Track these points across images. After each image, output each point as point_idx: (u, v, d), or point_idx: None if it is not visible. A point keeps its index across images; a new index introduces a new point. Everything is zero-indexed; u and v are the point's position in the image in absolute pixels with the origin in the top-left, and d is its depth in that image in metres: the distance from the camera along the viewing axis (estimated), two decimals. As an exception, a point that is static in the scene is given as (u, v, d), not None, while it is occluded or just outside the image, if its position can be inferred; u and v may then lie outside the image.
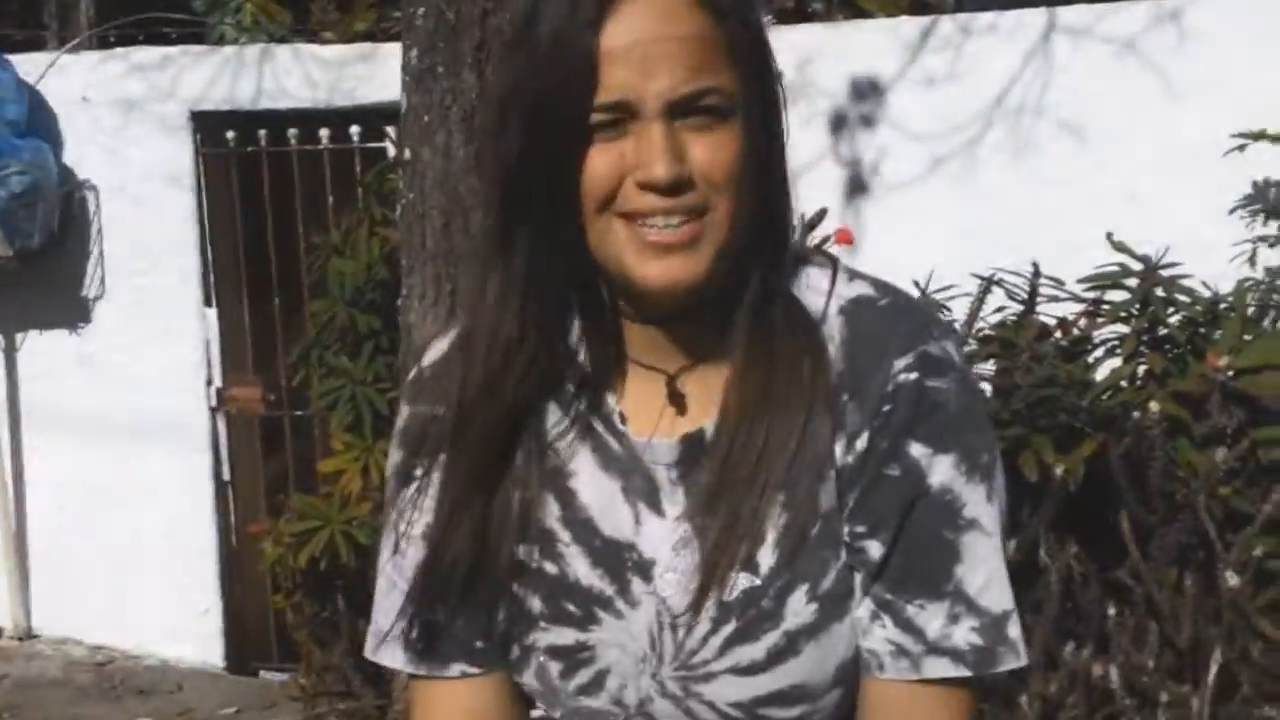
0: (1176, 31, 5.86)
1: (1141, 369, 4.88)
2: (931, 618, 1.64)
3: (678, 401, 1.72)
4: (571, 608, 1.73)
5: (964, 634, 1.64)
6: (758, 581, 1.65)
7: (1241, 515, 4.62)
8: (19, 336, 7.47)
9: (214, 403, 7.24)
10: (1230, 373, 4.65)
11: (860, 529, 1.65)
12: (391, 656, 1.83)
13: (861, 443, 1.64)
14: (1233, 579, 4.51)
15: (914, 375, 1.64)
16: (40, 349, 7.46)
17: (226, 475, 7.26)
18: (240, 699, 6.74)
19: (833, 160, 6.37)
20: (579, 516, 1.73)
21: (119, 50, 7.51)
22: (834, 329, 1.68)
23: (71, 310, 7.38)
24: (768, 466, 1.65)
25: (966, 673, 1.64)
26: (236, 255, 7.31)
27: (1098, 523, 4.74)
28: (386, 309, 6.20)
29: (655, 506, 1.71)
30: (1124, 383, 4.87)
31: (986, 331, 5.11)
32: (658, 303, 1.65)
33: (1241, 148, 5.61)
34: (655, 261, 1.59)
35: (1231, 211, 5.78)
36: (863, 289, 1.71)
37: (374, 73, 6.70)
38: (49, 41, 8.39)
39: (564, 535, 1.73)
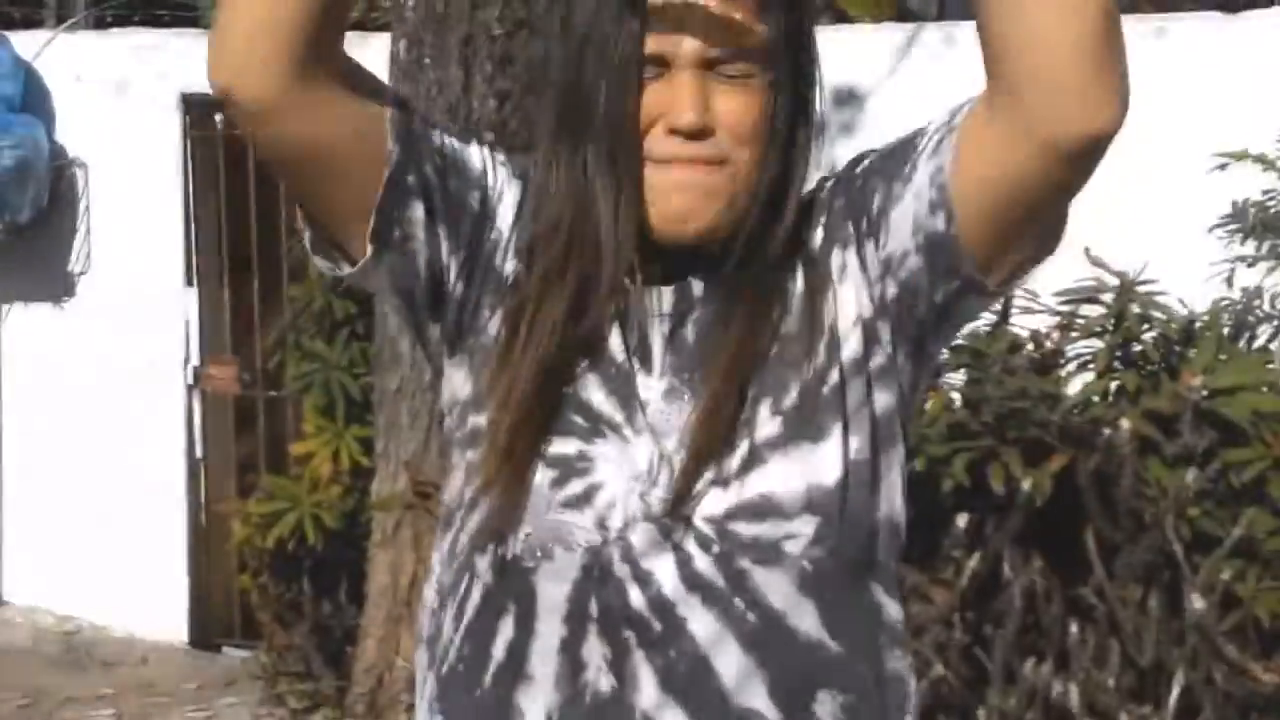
0: (1159, 49, 5.56)
1: (1114, 386, 4.62)
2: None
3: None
4: (580, 420, 1.70)
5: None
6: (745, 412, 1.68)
7: (1210, 538, 4.36)
8: (4, 308, 7.25)
9: (191, 381, 6.97)
10: (1204, 392, 4.39)
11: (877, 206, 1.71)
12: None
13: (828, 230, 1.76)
14: (1199, 602, 4.24)
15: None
16: (25, 322, 7.23)
17: (199, 453, 6.98)
18: (202, 674, 6.53)
19: (812, 167, 6.07)
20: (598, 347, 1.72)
21: (115, 31, 7.34)
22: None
23: (57, 285, 7.16)
24: (746, 313, 1.69)
25: None
26: (219, 237, 7.05)
27: (1063, 539, 4.48)
28: (364, 296, 5.94)
29: (646, 360, 1.71)
30: (1096, 399, 4.61)
31: (958, 341, 4.83)
32: (675, 240, 1.68)
33: (1223, 167, 5.40)
34: (674, 199, 1.65)
35: (1210, 230, 5.50)
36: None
37: (362, 60, 6.39)
38: (46, 20, 8.13)
39: (584, 363, 1.71)
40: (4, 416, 7.23)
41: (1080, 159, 1.55)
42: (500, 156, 1.79)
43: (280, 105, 1.61)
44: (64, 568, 7.03)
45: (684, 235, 1.67)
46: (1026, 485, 4.37)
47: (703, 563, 1.65)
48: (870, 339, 1.70)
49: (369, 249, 1.70)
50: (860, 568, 1.70)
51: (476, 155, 1.77)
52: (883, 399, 1.70)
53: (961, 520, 4.44)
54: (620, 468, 1.68)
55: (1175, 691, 4.25)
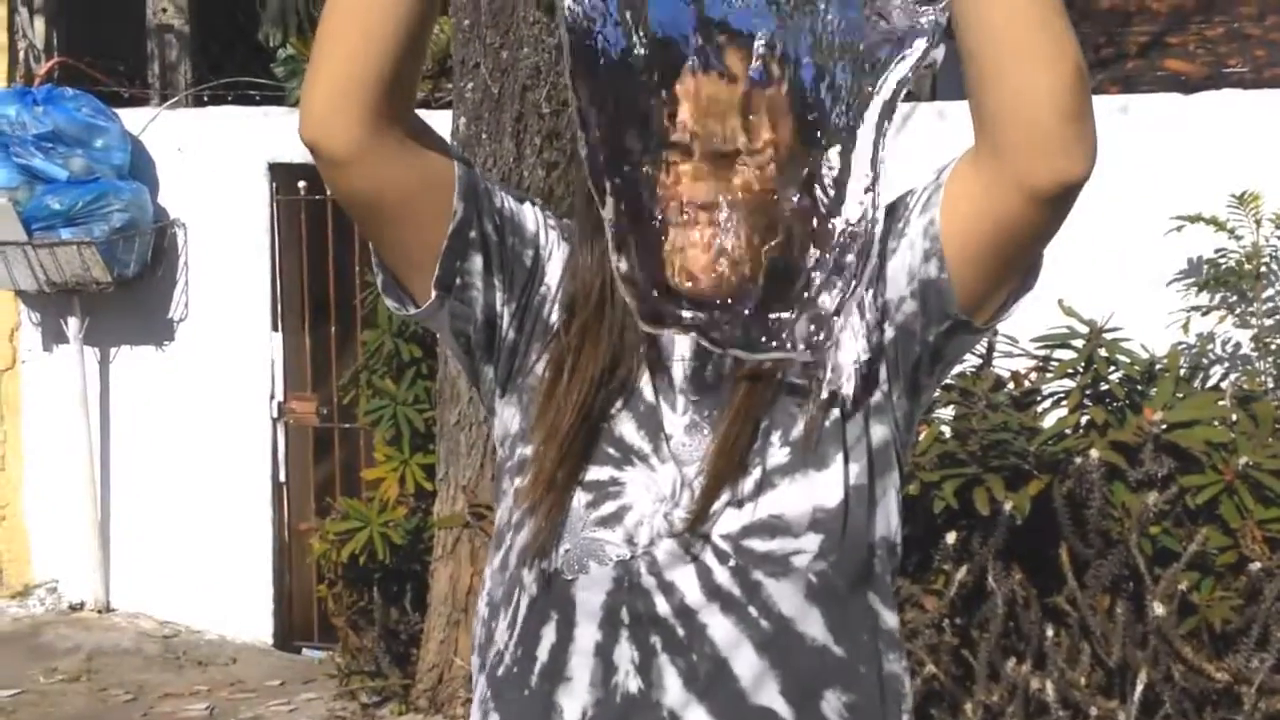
0: (1124, 124, 5.56)
1: (1084, 420, 4.63)
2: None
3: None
4: (613, 451, 1.71)
5: None
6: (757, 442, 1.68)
7: (1169, 552, 4.38)
8: (113, 350, 7.23)
9: (275, 414, 6.97)
10: (1163, 426, 4.40)
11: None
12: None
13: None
14: (1159, 608, 4.25)
15: None
16: (131, 362, 7.21)
17: (282, 478, 6.98)
18: (284, 673, 6.49)
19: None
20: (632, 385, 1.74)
21: (210, 109, 7.36)
22: None
23: (159, 330, 7.15)
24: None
25: None
26: (301, 288, 7.05)
27: (1040, 554, 4.48)
28: (427, 340, 5.98)
29: (670, 399, 1.72)
30: (1068, 431, 4.62)
31: (948, 381, 4.84)
32: (690, 293, 1.64)
33: (1179, 228, 5.38)
34: (686, 255, 1.60)
35: (1169, 284, 5.50)
36: None
37: (426, 136, 6.45)
38: (152, 99, 8.15)
39: (618, 402, 1.72)
40: (111, 445, 7.22)
41: (1056, 202, 1.57)
42: (550, 220, 1.81)
43: (358, 156, 1.63)
44: (163, 578, 7.04)
45: (696, 288, 1.61)
46: (1008, 507, 4.38)
47: (721, 575, 1.66)
48: (868, 379, 1.70)
49: (433, 293, 1.72)
50: (860, 579, 1.70)
51: (531, 217, 1.78)
52: (879, 431, 1.71)
53: (950, 537, 4.44)
54: (647, 491, 1.68)
55: (1139, 688, 4.25)
